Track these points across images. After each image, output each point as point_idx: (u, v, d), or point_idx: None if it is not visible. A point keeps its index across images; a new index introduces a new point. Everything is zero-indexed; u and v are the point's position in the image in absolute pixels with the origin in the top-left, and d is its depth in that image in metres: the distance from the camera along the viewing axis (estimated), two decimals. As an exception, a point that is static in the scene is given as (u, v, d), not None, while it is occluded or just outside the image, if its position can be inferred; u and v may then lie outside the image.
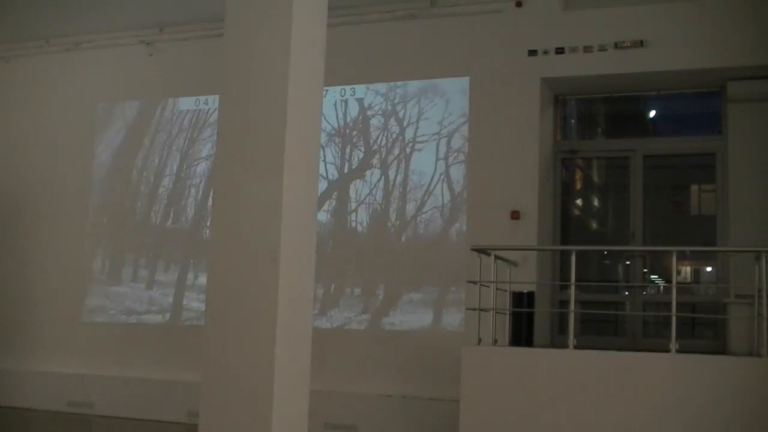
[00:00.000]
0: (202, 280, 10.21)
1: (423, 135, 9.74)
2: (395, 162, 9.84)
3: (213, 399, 4.90)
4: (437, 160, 9.64)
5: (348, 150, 10.07)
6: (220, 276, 5.02)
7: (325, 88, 6.54)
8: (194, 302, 10.45)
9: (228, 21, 5.21)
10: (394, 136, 9.87)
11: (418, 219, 9.66)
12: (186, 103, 10.98)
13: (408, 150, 9.81)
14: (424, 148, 9.72)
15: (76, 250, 11.18)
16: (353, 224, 9.96)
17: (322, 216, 9.91)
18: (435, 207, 9.58)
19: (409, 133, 9.82)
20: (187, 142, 10.93)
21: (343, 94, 10.11)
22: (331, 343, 9.42)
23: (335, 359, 9.38)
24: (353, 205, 9.97)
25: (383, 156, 9.90)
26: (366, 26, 9.88)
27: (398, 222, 9.74)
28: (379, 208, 9.83)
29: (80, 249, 11.18)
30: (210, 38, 10.17)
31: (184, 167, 10.91)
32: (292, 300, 4.94)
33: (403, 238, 9.69)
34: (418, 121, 9.79)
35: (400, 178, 9.78)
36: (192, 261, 10.68)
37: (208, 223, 10.29)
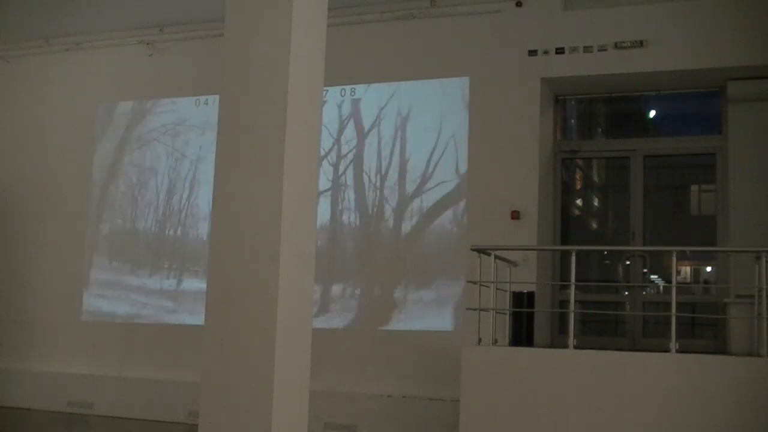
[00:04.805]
0: (200, 281, 10.22)
1: (422, 135, 9.73)
2: (394, 161, 9.83)
3: (213, 399, 4.89)
4: (436, 160, 9.62)
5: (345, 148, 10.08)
6: (220, 276, 5.01)
7: (325, 88, 6.54)
8: (192, 302, 10.44)
9: (228, 21, 5.20)
10: (393, 136, 9.87)
11: (418, 219, 9.64)
12: (186, 103, 10.97)
13: (407, 150, 9.80)
14: (423, 148, 9.71)
15: (75, 249, 11.18)
16: (352, 224, 9.94)
17: (323, 216, 9.90)
18: (435, 207, 9.56)
19: (408, 133, 9.81)
20: (186, 142, 10.92)
21: (343, 94, 10.10)
22: (331, 343, 9.42)
23: (335, 359, 9.38)
24: (352, 206, 9.96)
25: (382, 154, 9.89)
26: (366, 26, 9.88)
27: (398, 222, 9.72)
28: (378, 208, 9.82)
29: (79, 248, 11.17)
30: (210, 38, 10.18)
31: (184, 167, 10.90)
32: (292, 300, 4.94)
33: (403, 238, 9.68)
34: (417, 121, 9.79)
35: (398, 177, 9.77)
36: (189, 262, 10.69)
37: (207, 224, 10.28)
